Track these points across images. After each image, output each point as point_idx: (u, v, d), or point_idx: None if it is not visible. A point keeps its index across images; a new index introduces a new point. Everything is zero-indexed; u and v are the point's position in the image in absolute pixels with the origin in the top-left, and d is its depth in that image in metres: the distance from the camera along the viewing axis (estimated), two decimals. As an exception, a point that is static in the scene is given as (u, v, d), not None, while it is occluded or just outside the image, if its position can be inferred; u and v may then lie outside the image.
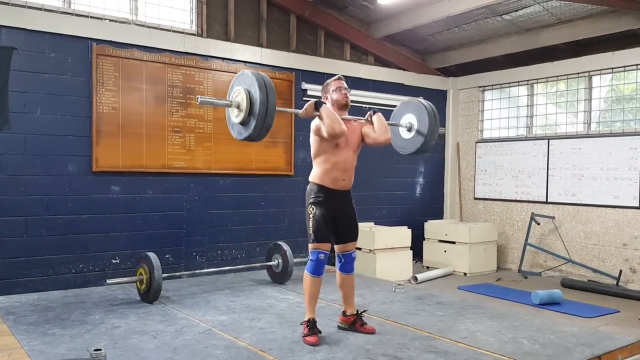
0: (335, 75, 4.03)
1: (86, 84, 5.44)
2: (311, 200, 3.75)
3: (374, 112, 3.94)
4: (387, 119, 4.12)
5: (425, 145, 4.17)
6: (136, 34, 5.74)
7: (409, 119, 4.23)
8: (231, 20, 6.50)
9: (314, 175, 3.81)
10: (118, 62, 5.60)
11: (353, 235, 3.92)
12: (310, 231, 3.73)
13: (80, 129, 5.42)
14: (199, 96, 3.48)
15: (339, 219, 3.80)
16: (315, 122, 3.74)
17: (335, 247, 3.90)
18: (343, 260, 3.90)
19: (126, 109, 5.65)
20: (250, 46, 6.53)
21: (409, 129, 4.22)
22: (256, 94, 3.31)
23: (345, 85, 3.92)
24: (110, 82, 5.56)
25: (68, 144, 5.36)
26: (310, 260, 3.73)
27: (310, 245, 3.74)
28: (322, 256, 3.70)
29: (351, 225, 3.90)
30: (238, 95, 3.44)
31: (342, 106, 3.85)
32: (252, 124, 3.35)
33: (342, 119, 3.71)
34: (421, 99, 4.26)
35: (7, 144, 5.06)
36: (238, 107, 3.43)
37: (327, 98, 3.89)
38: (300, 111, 3.71)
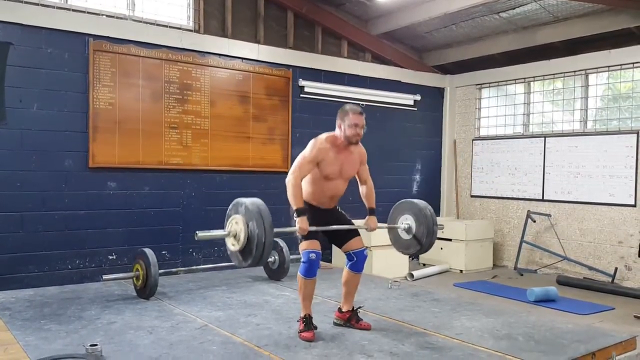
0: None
1: (83, 80, 5.43)
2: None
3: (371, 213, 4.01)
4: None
5: (423, 250, 4.21)
6: (133, 29, 5.72)
7: (407, 220, 4.20)
8: (228, 17, 6.49)
9: (302, 189, 3.70)
10: (115, 57, 5.59)
11: (352, 232, 3.89)
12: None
13: (77, 124, 5.41)
14: (197, 232, 3.40)
15: (330, 224, 3.76)
16: (310, 147, 3.64)
17: (342, 249, 3.90)
18: (355, 258, 3.87)
19: (123, 105, 5.64)
20: (248, 42, 6.52)
21: (407, 231, 4.20)
22: (254, 228, 3.29)
23: (364, 122, 3.69)
24: (107, 78, 5.54)
25: (64, 139, 5.35)
26: (302, 262, 3.67)
27: (300, 247, 3.69)
28: (313, 256, 3.63)
29: (345, 222, 3.87)
30: (235, 224, 3.40)
31: (351, 144, 3.72)
32: (250, 256, 3.34)
33: (342, 149, 3.68)
34: (420, 202, 4.19)
35: (3, 139, 5.05)
36: (235, 236, 3.40)
37: (340, 126, 3.70)
38: (296, 229, 3.57)
